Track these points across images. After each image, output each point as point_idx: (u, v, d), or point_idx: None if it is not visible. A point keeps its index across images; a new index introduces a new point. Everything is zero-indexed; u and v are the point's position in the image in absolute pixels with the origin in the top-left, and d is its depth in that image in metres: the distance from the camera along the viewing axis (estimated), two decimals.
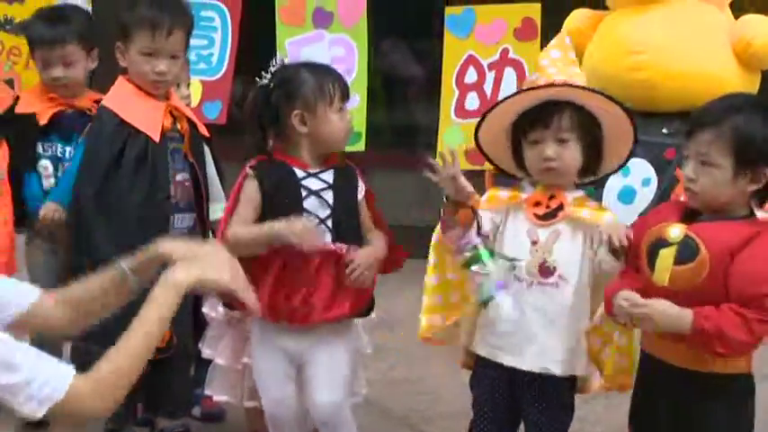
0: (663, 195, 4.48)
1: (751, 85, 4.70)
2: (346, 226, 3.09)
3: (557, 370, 2.88)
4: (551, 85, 2.89)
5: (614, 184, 4.55)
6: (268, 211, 3.05)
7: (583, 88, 2.86)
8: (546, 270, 2.86)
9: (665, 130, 4.67)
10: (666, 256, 2.56)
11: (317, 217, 3.05)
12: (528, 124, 2.89)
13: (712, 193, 2.57)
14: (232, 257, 2.24)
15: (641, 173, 4.58)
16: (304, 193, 3.06)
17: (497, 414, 3.00)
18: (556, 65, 2.96)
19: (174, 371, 3.43)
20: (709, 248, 2.49)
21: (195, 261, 2.17)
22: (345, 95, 3.14)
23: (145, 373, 3.34)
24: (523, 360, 2.89)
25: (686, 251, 2.52)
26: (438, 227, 2.98)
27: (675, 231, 2.56)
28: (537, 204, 2.90)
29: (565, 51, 3.00)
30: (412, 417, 4.04)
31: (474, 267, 2.82)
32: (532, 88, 2.90)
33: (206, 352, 3.63)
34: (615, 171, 3.10)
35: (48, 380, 1.94)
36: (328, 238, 3.05)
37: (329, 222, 3.05)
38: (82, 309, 2.27)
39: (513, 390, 2.96)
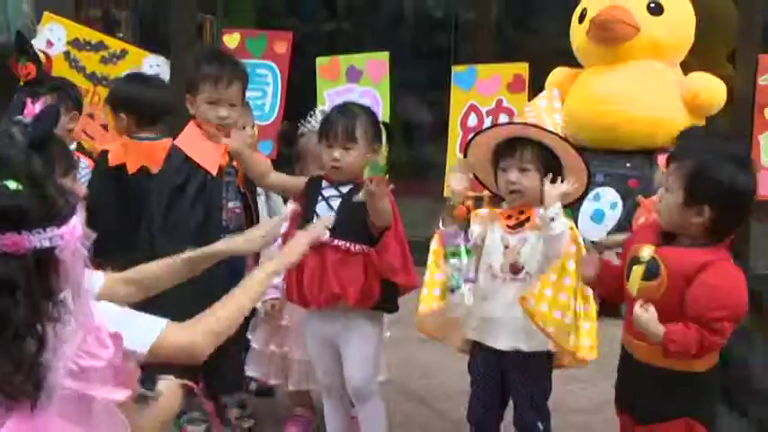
0: (627, 216, 4.91)
1: None
2: (345, 229, 3.20)
3: (525, 347, 3.13)
4: (512, 123, 3.19)
5: (587, 208, 5.02)
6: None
7: (536, 127, 3.07)
8: (516, 268, 3.13)
9: (627, 165, 5.17)
10: (637, 271, 2.69)
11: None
12: (500, 154, 3.15)
13: (666, 215, 2.69)
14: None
15: (609, 198, 5.10)
16: (319, 199, 3.31)
17: (489, 390, 3.24)
18: (538, 112, 3.15)
19: (225, 356, 3.38)
20: (668, 271, 2.61)
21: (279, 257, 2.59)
22: (331, 136, 3.27)
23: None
24: (498, 341, 3.16)
25: (651, 270, 2.65)
26: (435, 238, 3.26)
27: (646, 252, 2.67)
28: (509, 217, 3.17)
29: (550, 101, 3.21)
30: (426, 396, 4.30)
31: (453, 260, 3.14)
32: (498, 125, 3.31)
33: (248, 336, 3.87)
34: (580, 198, 3.26)
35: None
36: (328, 236, 3.15)
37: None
38: (143, 286, 2.57)
39: (501, 367, 3.19)
